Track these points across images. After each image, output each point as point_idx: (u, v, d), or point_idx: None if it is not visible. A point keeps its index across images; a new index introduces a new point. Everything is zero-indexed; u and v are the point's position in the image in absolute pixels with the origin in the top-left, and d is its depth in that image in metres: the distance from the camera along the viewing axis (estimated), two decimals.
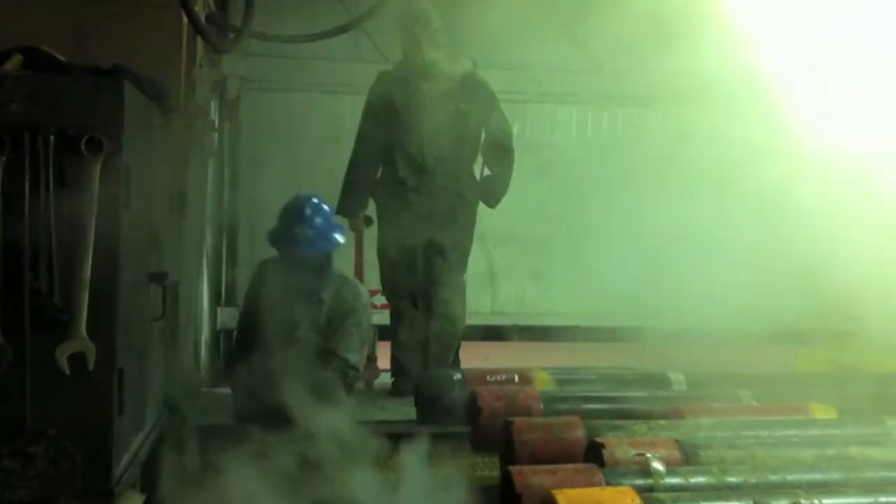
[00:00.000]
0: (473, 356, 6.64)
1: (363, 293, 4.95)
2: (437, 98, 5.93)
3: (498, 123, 6.19)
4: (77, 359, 3.01)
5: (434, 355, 6.10)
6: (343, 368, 4.69)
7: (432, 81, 5.95)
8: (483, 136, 6.19)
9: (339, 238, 4.76)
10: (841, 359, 7.29)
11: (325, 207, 4.80)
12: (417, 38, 5.89)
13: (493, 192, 6.28)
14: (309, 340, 4.65)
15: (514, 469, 3.56)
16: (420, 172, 5.97)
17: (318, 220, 4.72)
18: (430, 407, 5.26)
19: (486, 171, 6.27)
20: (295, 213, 4.73)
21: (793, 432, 4.05)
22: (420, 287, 6.16)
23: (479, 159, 6.30)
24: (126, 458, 3.36)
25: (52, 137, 3.03)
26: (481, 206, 7.38)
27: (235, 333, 5.19)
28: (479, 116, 6.09)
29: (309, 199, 4.80)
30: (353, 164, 6.09)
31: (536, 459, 3.81)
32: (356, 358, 4.75)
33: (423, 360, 6.12)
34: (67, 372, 2.99)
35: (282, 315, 4.68)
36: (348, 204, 6.00)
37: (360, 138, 6.09)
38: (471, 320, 8.02)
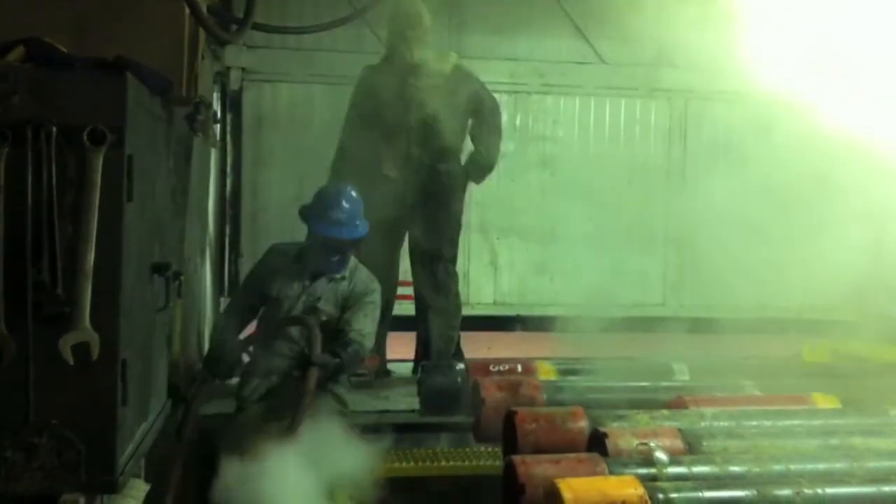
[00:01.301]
0: (476, 347, 6.65)
1: (375, 279, 5.08)
2: (427, 94, 5.95)
3: (488, 106, 6.20)
4: (80, 349, 3.01)
5: (436, 348, 6.12)
6: (357, 338, 4.78)
7: (421, 79, 5.96)
8: (471, 122, 6.20)
9: (365, 228, 4.93)
10: (845, 349, 7.29)
11: (356, 197, 4.92)
12: (408, 41, 5.91)
13: (480, 171, 6.33)
14: (329, 312, 4.80)
15: (517, 459, 3.57)
16: (408, 167, 5.98)
17: (351, 207, 4.87)
18: (433, 397, 5.28)
19: (475, 149, 6.27)
20: (332, 198, 4.91)
21: (796, 422, 4.05)
22: (416, 280, 6.18)
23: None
24: (130, 448, 3.36)
25: (54, 129, 3.03)
26: (481, 202, 7.42)
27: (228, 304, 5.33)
28: (468, 107, 6.11)
29: (346, 188, 5.01)
30: (342, 159, 6.09)
31: (539, 449, 3.82)
32: (369, 331, 4.89)
33: (424, 353, 6.14)
34: (71, 362, 3.00)
35: (299, 290, 4.86)
36: None
37: (349, 135, 6.10)
38: (473, 311, 8.05)
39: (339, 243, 4.85)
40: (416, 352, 6.26)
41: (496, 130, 6.30)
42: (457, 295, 6.37)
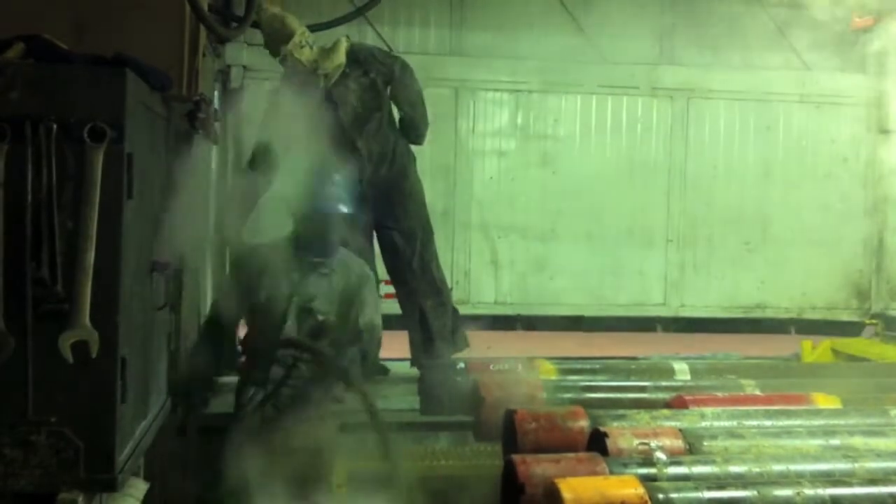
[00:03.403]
0: (476, 346, 6.63)
1: (364, 262, 4.95)
2: (341, 88, 5.86)
3: (397, 68, 6.07)
4: (80, 347, 3.01)
5: (436, 331, 6.08)
6: (371, 332, 4.69)
7: (326, 77, 5.86)
8: (389, 89, 6.10)
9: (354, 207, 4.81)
10: (846, 348, 7.30)
11: (343, 176, 4.83)
12: (290, 53, 5.79)
13: (415, 129, 6.15)
14: (324, 311, 4.63)
15: (516, 458, 3.55)
16: (357, 160, 5.88)
17: (343, 182, 4.74)
18: (433, 396, 5.27)
19: (401, 112, 6.17)
20: (324, 174, 4.71)
21: (797, 422, 4.04)
22: (396, 272, 6.13)
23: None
24: (129, 446, 3.36)
25: (53, 126, 3.03)
26: (482, 200, 7.37)
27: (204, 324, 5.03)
28: (380, 79, 6.00)
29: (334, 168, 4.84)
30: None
31: (539, 449, 3.80)
32: (377, 322, 4.76)
33: (422, 341, 6.08)
34: (70, 360, 2.99)
35: (291, 289, 4.65)
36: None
37: (257, 161, 5.95)
38: (474, 310, 8.05)
39: (338, 219, 4.64)
40: (412, 350, 6.22)
41: (413, 84, 6.15)
42: (438, 269, 6.30)
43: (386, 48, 7.73)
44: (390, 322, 6.20)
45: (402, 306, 6.22)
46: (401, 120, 6.17)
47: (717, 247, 8.82)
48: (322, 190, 4.64)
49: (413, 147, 6.20)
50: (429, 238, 6.23)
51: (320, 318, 4.52)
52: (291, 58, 5.79)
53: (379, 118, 5.98)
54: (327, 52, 5.88)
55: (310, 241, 4.63)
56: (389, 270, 6.20)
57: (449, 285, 6.47)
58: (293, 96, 5.67)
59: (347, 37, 6.06)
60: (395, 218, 6.07)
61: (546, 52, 8.62)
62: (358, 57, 5.94)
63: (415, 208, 6.16)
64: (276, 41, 5.81)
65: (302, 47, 5.78)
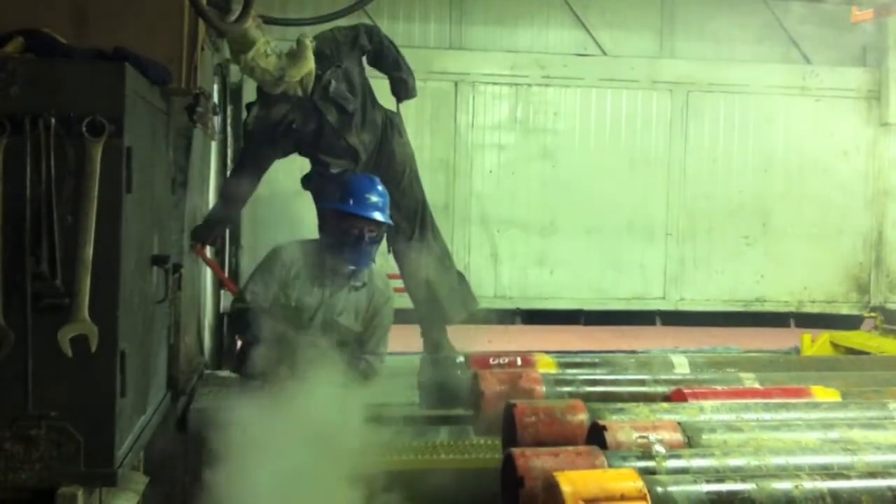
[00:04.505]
0: (476, 340, 6.64)
1: (390, 284, 5.06)
2: (320, 92, 5.71)
3: (365, 39, 5.92)
4: (79, 341, 3.01)
5: (444, 295, 6.06)
6: (374, 364, 4.90)
7: (301, 85, 5.70)
8: (364, 59, 6.00)
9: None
10: (845, 341, 7.31)
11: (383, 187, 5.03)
12: (257, 64, 5.52)
13: (403, 84, 6.05)
14: (348, 326, 4.77)
15: (515, 451, 3.56)
16: (353, 155, 5.84)
17: (384, 192, 4.97)
18: (433, 390, 5.27)
19: (388, 76, 6.07)
20: (367, 184, 4.95)
21: (795, 415, 4.05)
22: (400, 251, 6.10)
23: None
24: (129, 440, 3.37)
25: (52, 120, 3.03)
26: (482, 194, 7.33)
27: (233, 311, 5.13)
28: (355, 57, 5.89)
29: (375, 177, 5.13)
30: (228, 198, 5.98)
31: (538, 442, 3.81)
32: (382, 351, 4.97)
33: (431, 308, 6.05)
34: (70, 354, 3.00)
35: (320, 298, 4.74)
36: (205, 233, 5.83)
37: (240, 176, 5.92)
38: None
39: (377, 227, 4.82)
40: (422, 324, 6.18)
41: (385, 45, 5.95)
42: (437, 236, 6.24)
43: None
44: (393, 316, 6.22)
45: (407, 283, 6.17)
46: (390, 81, 6.09)
47: (717, 240, 8.82)
48: (366, 197, 4.74)
49: (410, 142, 6.17)
50: (425, 210, 6.18)
51: (343, 331, 4.66)
52: (258, 68, 5.54)
53: (363, 106, 5.90)
54: (294, 58, 5.65)
55: (350, 247, 4.71)
56: (393, 250, 6.17)
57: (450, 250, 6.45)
58: (280, 109, 5.68)
59: (304, 34, 5.86)
60: (393, 200, 6.03)
61: (546, 46, 8.61)
62: (325, 52, 5.79)
63: (409, 184, 6.10)
64: (238, 51, 5.55)
65: (268, 56, 5.52)
